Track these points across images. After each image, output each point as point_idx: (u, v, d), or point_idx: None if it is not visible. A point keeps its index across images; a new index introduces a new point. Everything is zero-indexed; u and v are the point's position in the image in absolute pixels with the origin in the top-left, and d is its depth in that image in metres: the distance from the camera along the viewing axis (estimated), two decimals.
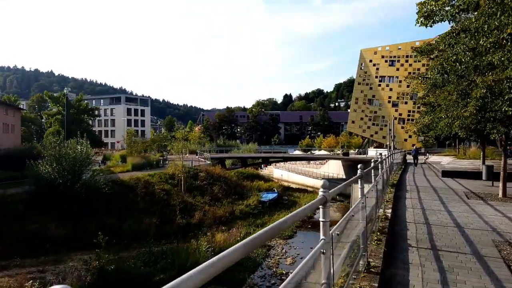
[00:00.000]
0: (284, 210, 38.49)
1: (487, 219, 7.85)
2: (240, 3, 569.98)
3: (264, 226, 31.76)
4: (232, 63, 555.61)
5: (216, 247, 22.07)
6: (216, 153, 62.23)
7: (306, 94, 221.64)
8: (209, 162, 49.33)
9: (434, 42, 12.31)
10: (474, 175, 18.12)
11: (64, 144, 26.99)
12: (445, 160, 29.83)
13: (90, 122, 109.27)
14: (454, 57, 7.68)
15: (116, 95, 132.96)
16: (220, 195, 36.59)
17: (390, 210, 7.78)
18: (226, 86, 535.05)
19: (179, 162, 35.60)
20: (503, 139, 11.81)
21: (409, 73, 64.58)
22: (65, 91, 43.31)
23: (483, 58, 7.76)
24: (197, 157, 50.77)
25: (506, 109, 8.63)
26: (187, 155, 61.38)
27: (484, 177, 15.25)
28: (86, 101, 63.08)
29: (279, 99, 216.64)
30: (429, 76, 10.33)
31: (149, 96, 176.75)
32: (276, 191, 45.41)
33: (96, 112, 62.73)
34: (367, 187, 6.41)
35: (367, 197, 4.43)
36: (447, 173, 18.89)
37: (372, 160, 6.13)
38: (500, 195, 11.90)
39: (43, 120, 63.00)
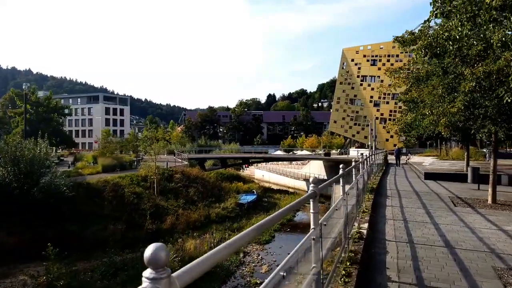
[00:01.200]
0: (263, 212, 37.11)
1: (481, 235, 6.56)
2: (224, 2, 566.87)
3: (241, 230, 30.33)
4: (216, 63, 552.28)
5: (186, 255, 20.45)
6: (195, 154, 60.48)
7: (290, 94, 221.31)
8: (186, 163, 47.51)
9: (417, 31, 11.02)
10: (458, 177, 17.07)
11: (21, 145, 24.80)
12: (427, 161, 28.92)
13: (66, 121, 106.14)
14: (446, 34, 6.36)
15: (94, 94, 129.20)
16: (196, 198, 34.94)
17: (366, 225, 6.41)
18: (210, 86, 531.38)
19: (152, 163, 33.77)
20: (493, 139, 10.61)
21: (391, 65, 64.03)
22: (24, 87, 40.56)
23: (484, 33, 6.40)
24: (174, 157, 48.84)
25: (509, 100, 7.35)
26: (165, 155, 59.29)
27: (469, 179, 14.12)
28: (57, 99, 60.00)
29: (263, 99, 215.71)
30: (415, 58, 9.04)
31: (129, 95, 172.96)
32: (255, 192, 44.02)
33: (67, 111, 59.70)
34: (339, 188, 5.00)
35: (324, 224, 2.99)
36: (430, 175, 17.80)
37: (341, 166, 4.70)
38: (490, 201, 10.72)
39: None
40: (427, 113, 9.80)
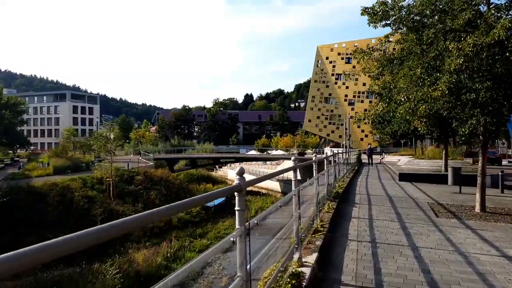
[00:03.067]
0: (231, 216, 34.87)
1: (481, 268, 4.44)
2: (201, 2, 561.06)
3: (205, 236, 27.97)
4: (193, 64, 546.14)
5: (132, 271, 17.87)
6: (165, 154, 57.56)
7: (267, 94, 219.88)
8: (151, 163, 44.65)
9: (390, 1, 8.96)
10: (436, 178, 15.26)
11: None
12: (402, 160, 27.32)
13: (31, 120, 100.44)
14: None
15: (60, 92, 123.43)
16: (158, 201, 32.36)
17: (314, 257, 4.18)
18: (188, 86, 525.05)
19: (108, 164, 30.96)
20: (481, 133, 8.61)
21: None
22: None
23: None
24: (138, 158, 45.90)
25: None
26: (131, 155, 56.17)
27: (450, 181, 12.20)
28: (8, 95, 55.44)
29: (240, 99, 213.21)
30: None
31: (101, 94, 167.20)
32: None
33: (25, 107, 55.39)
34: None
35: None
36: (405, 176, 15.92)
37: (235, 175, 2.48)
38: (478, 208, 8.75)
39: None
40: (403, 99, 7.72)
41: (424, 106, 7.38)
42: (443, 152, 16.25)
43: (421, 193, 11.74)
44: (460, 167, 12.22)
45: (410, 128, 16.55)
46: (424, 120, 14.55)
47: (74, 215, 25.10)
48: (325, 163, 7.68)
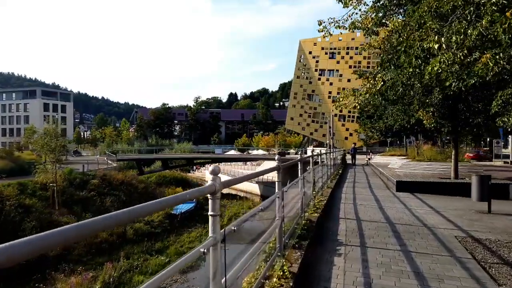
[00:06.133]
0: (201, 225, 30.79)
1: None
2: (186, 2, 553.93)
3: (164, 252, 23.81)
4: (178, 63, 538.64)
5: None
6: (137, 154, 53.14)
7: (252, 93, 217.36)
8: (115, 165, 40.21)
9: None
10: (447, 188, 11.54)
11: None
12: (395, 162, 23.43)
13: None
14: None
15: (30, 88, 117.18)
16: (113, 209, 27.62)
17: None
18: (174, 85, 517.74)
19: (49, 166, 26.59)
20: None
21: (350, 58, 59.39)
22: None
23: None
24: (97, 158, 41.45)
25: None
26: (98, 156, 51.59)
27: (475, 196, 8.37)
28: None
29: (225, 98, 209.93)
30: None
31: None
32: (194, 200, 37.35)
33: None
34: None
35: None
36: (404, 185, 12.12)
37: None
38: None
39: None
40: (436, 46, 3.82)
41: (488, 55, 3.52)
42: (453, 153, 12.54)
43: (436, 214, 7.92)
44: (490, 176, 8.49)
45: (410, 122, 12.79)
46: (431, 110, 10.79)
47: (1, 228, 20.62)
48: (276, 179, 3.71)
